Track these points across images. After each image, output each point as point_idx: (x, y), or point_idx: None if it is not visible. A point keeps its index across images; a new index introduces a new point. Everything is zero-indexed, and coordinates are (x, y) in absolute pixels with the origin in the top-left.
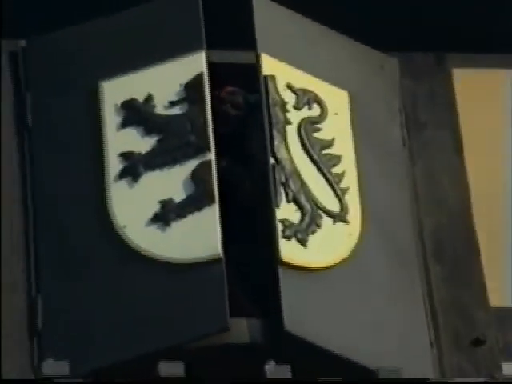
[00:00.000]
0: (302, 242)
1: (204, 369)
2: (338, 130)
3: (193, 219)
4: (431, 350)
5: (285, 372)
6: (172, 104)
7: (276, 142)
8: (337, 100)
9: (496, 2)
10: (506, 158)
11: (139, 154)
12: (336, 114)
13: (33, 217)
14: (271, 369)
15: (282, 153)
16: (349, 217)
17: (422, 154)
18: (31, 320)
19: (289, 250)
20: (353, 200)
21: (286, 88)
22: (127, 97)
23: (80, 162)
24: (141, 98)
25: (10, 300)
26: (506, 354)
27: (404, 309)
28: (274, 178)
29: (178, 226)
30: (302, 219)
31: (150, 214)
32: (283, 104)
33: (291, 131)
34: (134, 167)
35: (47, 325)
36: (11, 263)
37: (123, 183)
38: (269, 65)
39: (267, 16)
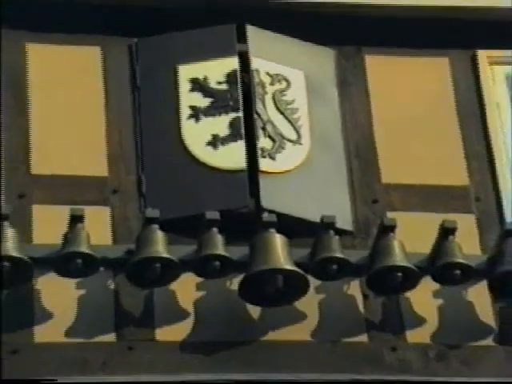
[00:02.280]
0: (273, 158)
1: (230, 219)
2: (297, 93)
3: (230, 146)
4: (351, 208)
5: (272, 218)
6: (219, 83)
7: (257, 105)
8: (297, 77)
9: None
10: (399, 99)
11: (200, 107)
12: (296, 85)
13: (140, 139)
14: (266, 215)
15: (261, 110)
16: (302, 141)
17: (348, 101)
18: (139, 187)
19: (264, 164)
20: (305, 131)
21: (265, 75)
22: (193, 76)
23: (166, 109)
24: (201, 77)
25: (128, 178)
26: (390, 208)
27: (336, 187)
28: (256, 125)
29: (222, 149)
30: (273, 146)
31: (206, 141)
32: (263, 84)
33: (268, 98)
34: (197, 114)
35: (148, 188)
36: (128, 159)
37: (191, 122)
38: (255, 62)
39: (254, 36)
